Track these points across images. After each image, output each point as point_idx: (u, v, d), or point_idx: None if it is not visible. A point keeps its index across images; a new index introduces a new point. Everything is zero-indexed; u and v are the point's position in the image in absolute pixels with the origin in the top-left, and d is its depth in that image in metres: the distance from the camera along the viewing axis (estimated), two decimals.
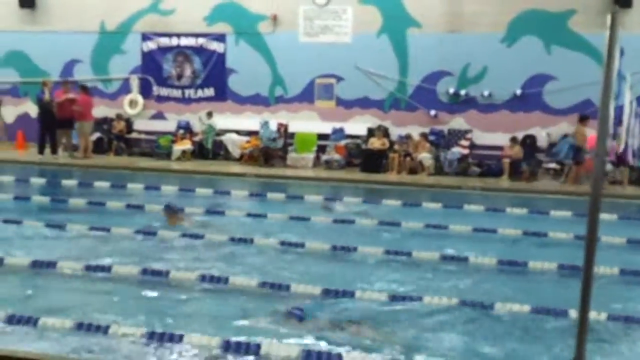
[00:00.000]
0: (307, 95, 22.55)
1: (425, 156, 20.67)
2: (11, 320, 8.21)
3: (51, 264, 10.57)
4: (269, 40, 22.70)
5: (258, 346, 7.63)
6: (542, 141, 21.21)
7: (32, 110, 23.89)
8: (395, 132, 21.74)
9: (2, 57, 24.48)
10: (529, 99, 21.27)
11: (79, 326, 8.05)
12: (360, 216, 14.56)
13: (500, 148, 20.89)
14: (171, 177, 19.45)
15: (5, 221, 13.26)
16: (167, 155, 22.03)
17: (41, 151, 21.84)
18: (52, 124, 21.71)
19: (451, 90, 21.63)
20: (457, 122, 21.76)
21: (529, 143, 21.10)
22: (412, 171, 20.59)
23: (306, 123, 22.31)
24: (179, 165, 21.21)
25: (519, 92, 21.27)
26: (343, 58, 22.01)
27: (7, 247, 11.63)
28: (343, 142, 21.73)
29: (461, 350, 8.02)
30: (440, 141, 21.49)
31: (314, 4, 22.19)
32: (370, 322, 8.71)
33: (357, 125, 22.13)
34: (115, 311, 8.84)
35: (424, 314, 9.03)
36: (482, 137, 21.48)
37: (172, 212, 13.85)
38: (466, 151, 21.23)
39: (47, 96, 21.70)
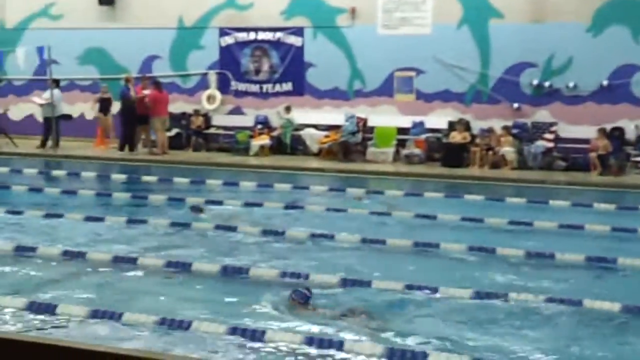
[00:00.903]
0: (386, 89, 22.24)
1: (508, 150, 20.21)
2: (95, 315, 8.21)
3: (132, 260, 10.56)
4: (347, 34, 22.46)
5: (341, 343, 7.49)
6: (630, 134, 20.53)
7: (113, 107, 24.06)
8: (477, 125, 21.30)
9: (82, 54, 24.73)
10: (616, 90, 20.61)
11: (162, 322, 8.00)
12: (442, 211, 14.22)
13: (586, 141, 20.28)
14: (249, 172, 19.40)
15: (87, 218, 13.34)
16: (245, 150, 21.99)
17: (122, 148, 22.00)
18: (133, 120, 21.85)
19: (535, 82, 21.07)
20: (541, 114, 21.19)
21: (616, 136, 20.44)
22: (495, 165, 20.17)
23: (385, 117, 22.01)
24: (257, 160, 21.15)
25: (605, 83, 20.62)
26: (423, 50, 21.63)
27: (89, 243, 11.65)
28: (423, 136, 21.37)
29: (549, 348, 7.73)
30: (524, 134, 20.96)
31: None
32: (453, 319, 8.45)
33: (438, 118, 21.73)
34: (196, 307, 8.76)
35: (509, 312, 8.79)
36: (568, 130, 20.88)
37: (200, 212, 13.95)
38: (551, 144, 20.66)
39: (132, 92, 21.84)
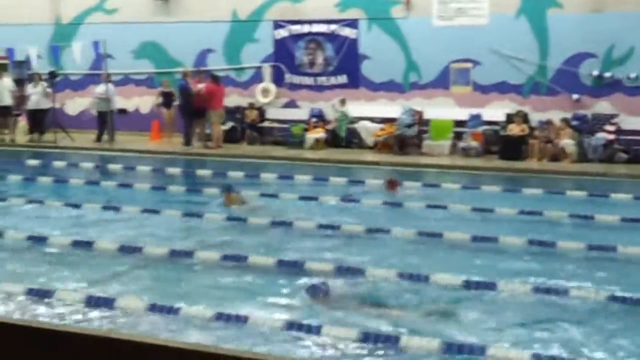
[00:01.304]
0: (442, 81, 21.97)
1: (567, 142, 19.83)
2: (153, 309, 8.24)
3: (188, 254, 10.55)
4: (402, 25, 22.23)
5: (397, 339, 7.45)
6: None
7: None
8: (535, 117, 20.91)
9: (137, 48, 24.86)
10: None
11: (219, 316, 7.97)
12: (499, 205, 13.99)
13: None
14: (304, 166, 19.31)
15: (144, 210, 13.39)
16: (300, 143, 21.91)
17: (188, 142, 22.02)
18: (191, 113, 21.90)
19: (595, 73, 20.62)
20: (602, 106, 20.73)
21: None
22: (554, 158, 19.79)
23: (441, 109, 21.74)
24: (312, 154, 21.05)
25: None
26: (479, 41, 21.31)
27: (146, 237, 11.68)
28: (480, 129, 21.06)
29: (612, 346, 7.58)
30: (584, 126, 20.52)
31: None
32: (512, 314, 8.35)
33: (495, 110, 21.38)
34: (252, 301, 8.70)
35: (569, 308, 8.65)
36: (629, 122, 20.37)
37: (228, 192, 14.08)
38: (612, 137, 20.19)
39: (192, 86, 21.86)
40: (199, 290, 9.24)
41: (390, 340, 7.40)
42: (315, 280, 9.14)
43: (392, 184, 15.61)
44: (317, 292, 8.77)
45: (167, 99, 23.28)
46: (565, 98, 20.88)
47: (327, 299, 8.73)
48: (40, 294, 8.78)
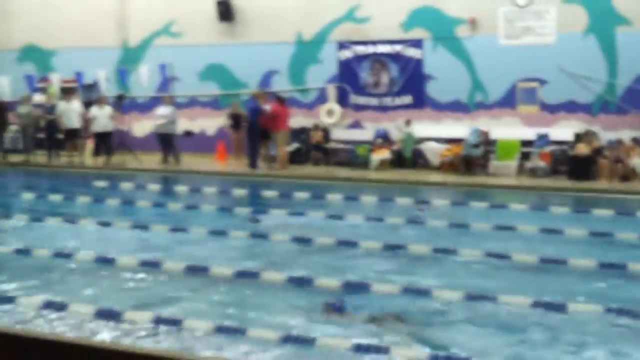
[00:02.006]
0: (508, 100, 21.75)
1: (638, 162, 19.42)
2: (219, 330, 8.29)
3: (254, 274, 10.56)
4: (468, 44, 22.09)
5: None
6: None
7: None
8: (605, 136, 20.57)
9: (203, 71, 25.11)
10: None
11: (286, 338, 7.98)
12: (568, 226, 13.73)
13: None
14: (370, 186, 19.23)
15: (211, 232, 13.46)
16: (365, 164, 21.85)
17: (254, 164, 22.07)
18: (256, 134, 21.95)
19: None
20: None
21: None
22: (624, 178, 19.39)
23: (508, 129, 21.50)
24: (377, 174, 20.97)
25: None
26: (546, 60, 21.06)
27: (212, 258, 11.73)
28: (548, 149, 20.76)
29: None
30: None
31: (514, 5, 21.39)
32: (582, 336, 8.22)
33: (563, 130, 21.08)
34: (318, 322, 8.65)
35: None
36: None
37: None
38: None
39: (266, 107, 21.89)
40: (264, 311, 9.23)
41: None
42: (334, 299, 9.24)
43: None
44: (332, 309, 8.89)
45: (236, 120, 23.43)
46: (635, 117, 20.49)
47: (341, 315, 8.80)
48: (109, 316, 8.85)
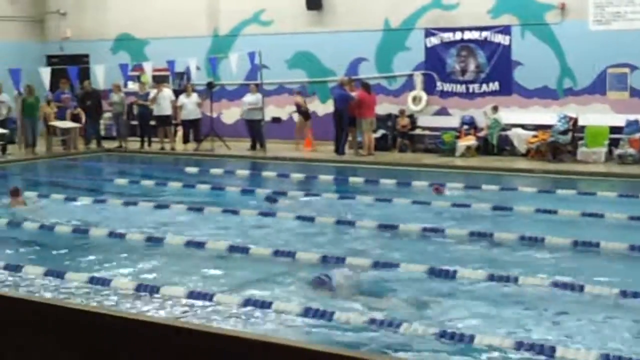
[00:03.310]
0: (598, 87, 21.40)
1: None
2: (306, 313, 8.49)
3: (340, 260, 10.74)
4: (557, 30, 21.80)
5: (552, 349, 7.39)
6: None
7: (319, 109, 24.57)
8: None
9: (291, 58, 25.37)
10: None
11: (372, 321, 8.12)
12: None
13: None
14: (455, 173, 19.21)
15: (297, 217, 13.68)
16: (451, 151, 21.80)
17: (341, 150, 22.27)
18: (342, 121, 22.10)
19: None
20: None
21: None
22: None
23: (597, 116, 21.16)
24: (463, 161, 20.92)
25: None
26: (637, 46, 20.63)
27: (299, 243, 11.96)
28: (638, 135, 20.39)
29: None
30: None
31: None
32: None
33: None
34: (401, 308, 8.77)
35: None
36: None
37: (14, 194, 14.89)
38: None
39: (354, 94, 22.07)
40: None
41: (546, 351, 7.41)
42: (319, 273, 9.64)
43: (437, 190, 16.17)
44: (320, 284, 9.35)
45: (300, 110, 23.76)
46: None
47: (330, 291, 9.22)
48: (200, 297, 9.16)
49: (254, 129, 23.80)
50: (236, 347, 2.08)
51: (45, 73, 22.69)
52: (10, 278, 10.28)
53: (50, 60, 28.24)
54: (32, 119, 23.49)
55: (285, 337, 5.70)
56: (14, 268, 10.57)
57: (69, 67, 23.87)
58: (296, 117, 24.24)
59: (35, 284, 10.01)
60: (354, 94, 22.14)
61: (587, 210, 13.88)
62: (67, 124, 23.97)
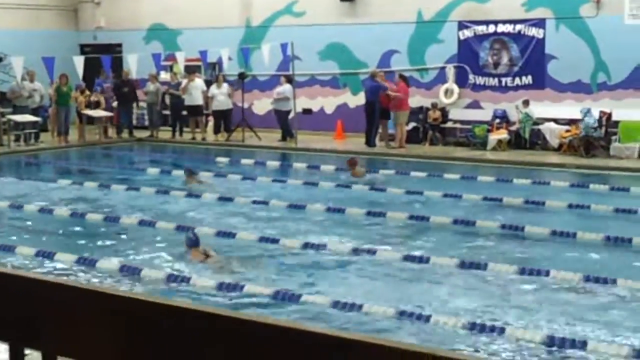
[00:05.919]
0: (633, 81, 21.16)
1: None
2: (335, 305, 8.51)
3: (371, 252, 10.74)
4: (592, 24, 21.59)
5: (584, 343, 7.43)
6: None
7: (351, 101, 24.54)
8: None
9: (323, 50, 25.34)
10: None
11: (401, 313, 8.09)
12: None
13: None
14: (487, 167, 19.12)
15: (328, 209, 13.69)
16: (483, 145, 21.69)
17: (372, 142, 22.21)
18: (374, 113, 22.02)
19: None
20: None
21: None
22: None
23: (632, 111, 20.92)
24: (494, 155, 20.79)
25: None
26: None
27: (329, 235, 11.96)
28: None
29: None
30: None
31: None
32: None
33: None
34: (436, 301, 8.76)
35: None
36: None
37: (190, 174, 16.46)
38: None
39: (388, 85, 21.99)
40: (377, 288, 9.45)
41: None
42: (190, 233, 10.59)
43: (351, 164, 17.22)
44: (190, 242, 10.30)
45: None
46: None
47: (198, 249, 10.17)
48: (230, 289, 9.19)
49: (282, 120, 23.81)
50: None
51: (79, 62, 22.80)
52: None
53: (84, 49, 28.40)
54: (66, 108, 23.66)
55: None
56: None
57: (102, 56, 23.98)
58: None
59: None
60: (387, 85, 22.05)
61: (620, 206, 13.77)
62: (100, 112, 24.11)
